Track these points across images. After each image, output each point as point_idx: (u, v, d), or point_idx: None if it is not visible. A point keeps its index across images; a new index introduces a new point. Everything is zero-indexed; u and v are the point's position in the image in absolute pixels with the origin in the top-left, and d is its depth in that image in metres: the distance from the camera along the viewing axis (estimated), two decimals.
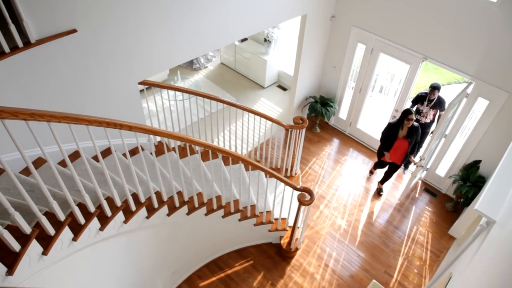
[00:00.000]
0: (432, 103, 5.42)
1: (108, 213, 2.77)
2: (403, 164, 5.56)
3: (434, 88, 5.29)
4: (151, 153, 3.21)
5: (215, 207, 3.92)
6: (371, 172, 6.13)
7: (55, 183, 2.98)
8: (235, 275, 4.72)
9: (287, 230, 4.92)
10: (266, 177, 4.13)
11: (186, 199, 3.57)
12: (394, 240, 5.23)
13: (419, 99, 5.55)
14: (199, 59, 8.27)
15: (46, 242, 2.32)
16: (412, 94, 5.71)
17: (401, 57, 5.37)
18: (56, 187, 2.87)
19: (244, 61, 7.96)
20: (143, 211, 3.16)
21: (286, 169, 5.43)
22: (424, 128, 5.61)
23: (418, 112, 5.58)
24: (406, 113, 4.84)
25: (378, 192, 5.89)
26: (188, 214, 3.69)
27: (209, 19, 3.93)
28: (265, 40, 7.52)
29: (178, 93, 6.60)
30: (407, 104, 5.79)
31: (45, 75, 3.01)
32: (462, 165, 5.40)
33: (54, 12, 2.80)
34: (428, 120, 5.60)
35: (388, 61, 5.74)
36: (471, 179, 5.15)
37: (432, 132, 5.55)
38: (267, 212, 4.74)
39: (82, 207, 2.62)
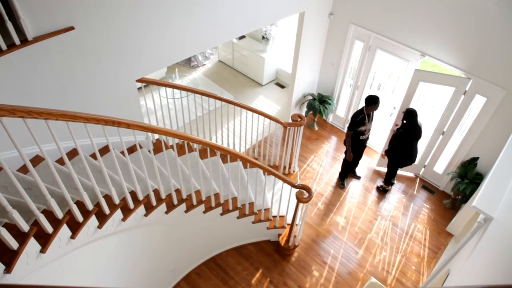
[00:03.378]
0: (372, 116, 5.13)
1: (106, 211, 2.77)
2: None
3: (377, 101, 4.85)
4: (149, 151, 3.20)
5: (213, 204, 3.92)
6: (385, 190, 5.86)
7: (53, 181, 2.97)
8: (233, 273, 4.73)
9: (286, 228, 4.93)
10: (264, 174, 4.12)
11: (184, 197, 3.57)
12: (392, 237, 5.25)
13: (360, 123, 5.04)
14: (197, 57, 8.25)
15: (44, 240, 2.31)
16: (409, 92, 5.66)
17: (399, 54, 5.37)
18: (54, 185, 2.86)
19: (242, 59, 7.95)
20: (141, 209, 3.16)
21: (284, 167, 5.43)
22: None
23: (363, 133, 5.18)
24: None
25: (385, 191, 5.85)
26: (186, 212, 3.69)
27: (207, 16, 3.92)
28: (263, 37, 7.51)
29: (176, 90, 6.58)
30: (405, 102, 5.73)
31: (42, 72, 3.00)
32: (460, 162, 5.42)
33: (51, 9, 2.79)
34: (370, 133, 5.40)
35: (386, 58, 5.74)
36: (468, 176, 5.17)
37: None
38: (265, 209, 4.74)
39: (80, 205, 2.61)
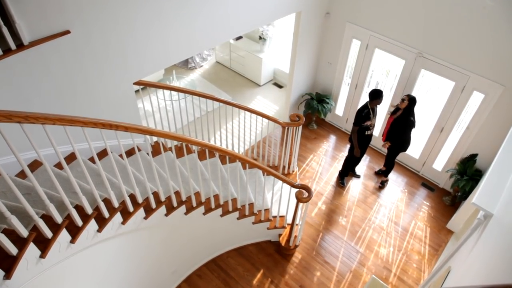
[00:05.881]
0: (375, 111, 5.12)
1: (106, 214, 2.76)
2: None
3: (381, 95, 4.89)
4: (147, 154, 3.20)
5: (213, 206, 3.91)
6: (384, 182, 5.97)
7: (51, 185, 2.96)
8: (234, 274, 4.72)
9: (286, 228, 4.93)
10: (263, 175, 4.12)
11: (184, 198, 3.56)
12: (392, 235, 5.25)
13: (366, 117, 5.01)
14: (194, 58, 8.25)
15: (44, 245, 2.30)
16: (408, 89, 5.66)
17: (396, 52, 5.37)
18: (52, 189, 2.85)
19: (239, 59, 7.94)
20: (140, 212, 3.15)
21: (284, 167, 5.43)
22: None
23: (368, 128, 5.14)
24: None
25: (383, 184, 5.91)
26: (186, 213, 3.68)
27: (203, 17, 3.92)
28: (260, 38, 7.51)
29: (173, 92, 6.57)
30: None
31: (39, 77, 2.99)
32: (459, 159, 5.42)
33: (47, 13, 2.78)
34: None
35: (384, 56, 5.74)
36: (468, 173, 5.17)
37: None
38: (265, 210, 4.74)
39: (79, 209, 2.61)
